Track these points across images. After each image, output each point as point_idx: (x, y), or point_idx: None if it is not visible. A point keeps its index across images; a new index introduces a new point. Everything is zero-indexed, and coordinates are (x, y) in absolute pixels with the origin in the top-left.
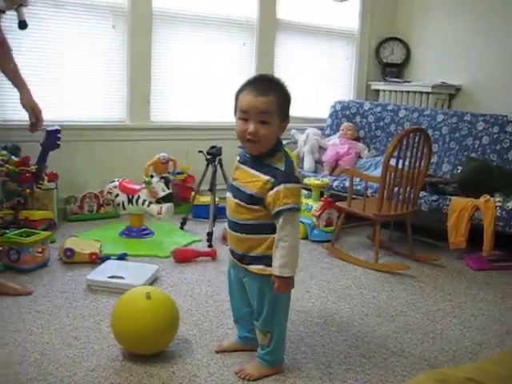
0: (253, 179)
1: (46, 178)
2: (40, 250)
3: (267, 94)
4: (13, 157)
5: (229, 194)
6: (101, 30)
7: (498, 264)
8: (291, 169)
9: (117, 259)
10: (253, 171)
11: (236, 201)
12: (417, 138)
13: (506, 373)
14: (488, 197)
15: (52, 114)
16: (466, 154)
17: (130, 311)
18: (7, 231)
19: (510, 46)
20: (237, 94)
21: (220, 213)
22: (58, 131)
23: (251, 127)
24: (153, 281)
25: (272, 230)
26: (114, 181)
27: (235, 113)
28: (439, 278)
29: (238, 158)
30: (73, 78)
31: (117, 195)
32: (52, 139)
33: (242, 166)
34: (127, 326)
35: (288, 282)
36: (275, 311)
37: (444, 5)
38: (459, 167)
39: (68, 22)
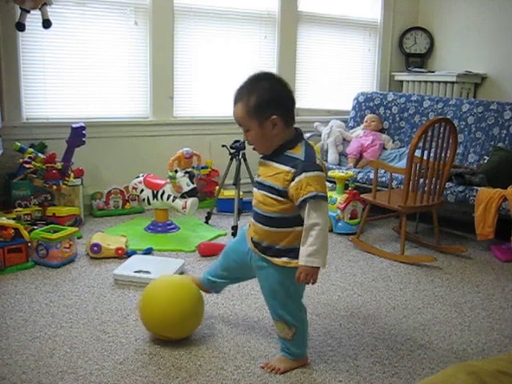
0: (275, 171)
1: (72, 174)
2: (68, 245)
3: (236, 103)
4: (40, 154)
5: (255, 189)
6: (123, 26)
7: None
8: (311, 157)
9: (143, 254)
10: (274, 164)
11: (262, 192)
12: (442, 128)
13: None
14: None
15: (77, 112)
16: (492, 143)
17: (155, 294)
18: (35, 227)
19: None
20: None
21: (244, 207)
22: (82, 128)
23: (244, 137)
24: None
25: (297, 222)
26: (138, 176)
27: None
28: (467, 270)
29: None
30: (96, 76)
31: (142, 190)
32: (77, 136)
33: (265, 161)
34: (152, 308)
35: (314, 273)
36: (295, 303)
37: None
38: (486, 157)
39: (91, 20)
